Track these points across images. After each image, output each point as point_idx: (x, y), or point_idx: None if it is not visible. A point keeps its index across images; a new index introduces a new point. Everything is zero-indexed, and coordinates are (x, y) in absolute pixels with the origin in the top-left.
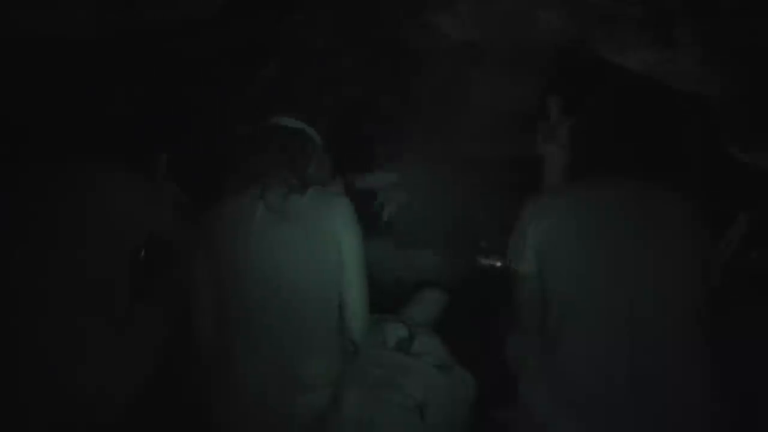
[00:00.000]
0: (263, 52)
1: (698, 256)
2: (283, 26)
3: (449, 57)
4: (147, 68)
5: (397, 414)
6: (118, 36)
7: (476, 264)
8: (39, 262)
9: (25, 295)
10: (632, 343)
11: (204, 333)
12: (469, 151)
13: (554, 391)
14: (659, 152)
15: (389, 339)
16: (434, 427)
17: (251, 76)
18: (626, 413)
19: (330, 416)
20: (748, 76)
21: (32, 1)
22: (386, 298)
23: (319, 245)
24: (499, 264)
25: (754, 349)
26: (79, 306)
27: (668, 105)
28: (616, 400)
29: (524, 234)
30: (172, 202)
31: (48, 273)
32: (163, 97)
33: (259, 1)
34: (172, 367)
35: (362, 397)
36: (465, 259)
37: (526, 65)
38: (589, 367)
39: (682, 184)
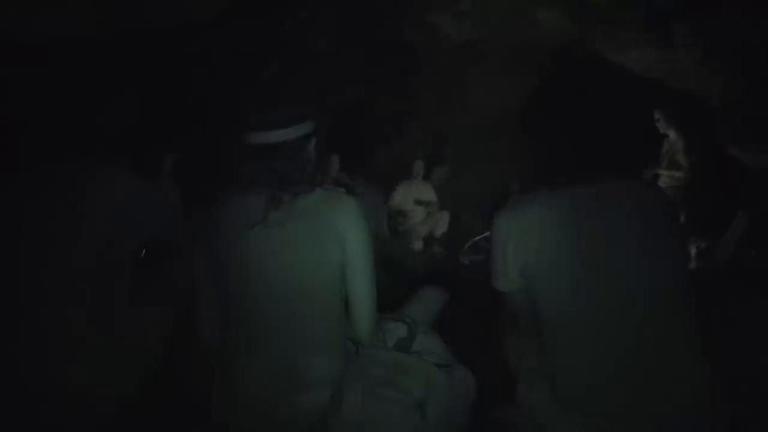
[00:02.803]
0: (265, 51)
1: (683, 251)
2: (285, 26)
3: (449, 56)
4: (149, 68)
5: (397, 413)
6: (120, 36)
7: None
8: (38, 261)
9: (25, 295)
10: (630, 343)
11: (206, 331)
12: (468, 150)
13: (553, 391)
14: (649, 151)
15: (389, 338)
16: (434, 426)
17: (253, 76)
18: (625, 413)
19: (330, 415)
20: (748, 76)
21: (34, 2)
22: (386, 297)
23: (322, 245)
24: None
25: (753, 345)
26: (79, 305)
27: (663, 104)
28: (615, 400)
29: (504, 252)
30: (173, 201)
31: (47, 272)
32: (165, 97)
33: (261, 1)
34: (172, 367)
35: (363, 396)
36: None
37: (526, 65)
38: (588, 367)
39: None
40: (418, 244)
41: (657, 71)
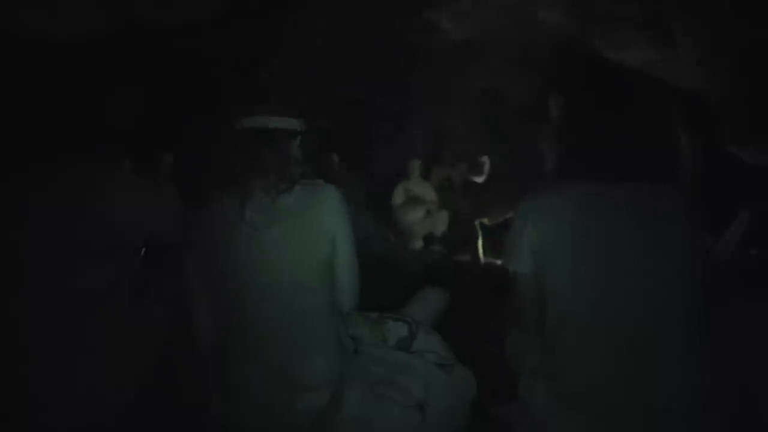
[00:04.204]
0: (264, 51)
1: (695, 253)
2: (284, 26)
3: (449, 55)
4: (147, 68)
5: (397, 412)
6: (119, 36)
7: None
8: (39, 262)
9: (26, 295)
10: (632, 343)
11: (202, 333)
12: (468, 150)
13: (554, 389)
14: (652, 151)
15: (390, 337)
16: (435, 426)
17: (252, 76)
18: (626, 412)
19: (330, 415)
20: (747, 75)
21: (34, 2)
22: (386, 297)
23: (310, 245)
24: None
25: (752, 345)
26: (80, 306)
27: (664, 103)
28: (615, 399)
29: (520, 234)
30: (173, 201)
31: (48, 273)
32: (164, 97)
33: (260, 1)
34: (172, 367)
35: (363, 395)
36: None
37: (526, 63)
38: (589, 366)
39: (676, 182)
40: (417, 244)
41: (657, 70)
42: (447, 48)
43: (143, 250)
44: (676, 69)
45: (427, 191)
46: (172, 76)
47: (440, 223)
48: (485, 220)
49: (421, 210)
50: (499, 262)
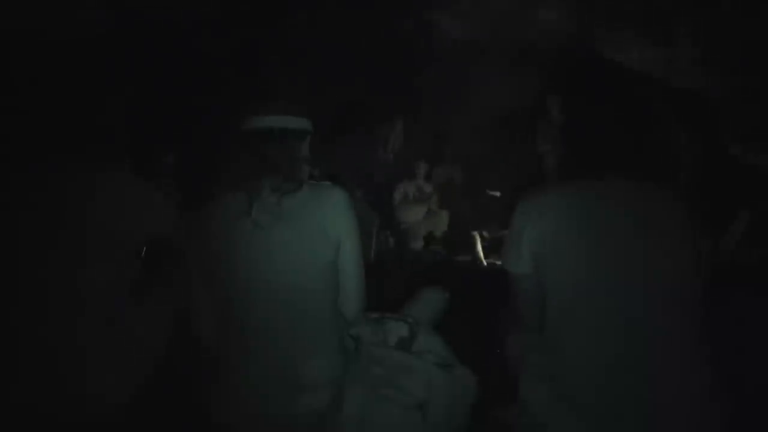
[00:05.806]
0: (265, 51)
1: (693, 253)
2: (284, 26)
3: (450, 56)
4: (148, 68)
5: (398, 413)
6: (120, 35)
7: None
8: (39, 262)
9: (25, 296)
10: (632, 343)
11: (203, 334)
12: (469, 150)
13: (555, 390)
14: (652, 151)
15: (390, 337)
16: (435, 426)
17: (252, 75)
18: (626, 413)
19: (331, 416)
20: (747, 75)
21: (34, 2)
22: (386, 297)
23: (314, 245)
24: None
25: (753, 345)
26: (80, 306)
27: (664, 103)
28: (616, 399)
29: (519, 235)
30: (173, 201)
31: (48, 274)
32: (165, 97)
33: (261, 1)
34: (172, 367)
35: (363, 396)
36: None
37: (526, 64)
38: (589, 366)
39: (676, 182)
40: (418, 244)
41: (657, 70)
42: (447, 48)
43: (143, 250)
44: (676, 69)
45: (427, 191)
46: (171, 74)
47: (440, 223)
48: (485, 233)
49: (421, 210)
50: (499, 262)
